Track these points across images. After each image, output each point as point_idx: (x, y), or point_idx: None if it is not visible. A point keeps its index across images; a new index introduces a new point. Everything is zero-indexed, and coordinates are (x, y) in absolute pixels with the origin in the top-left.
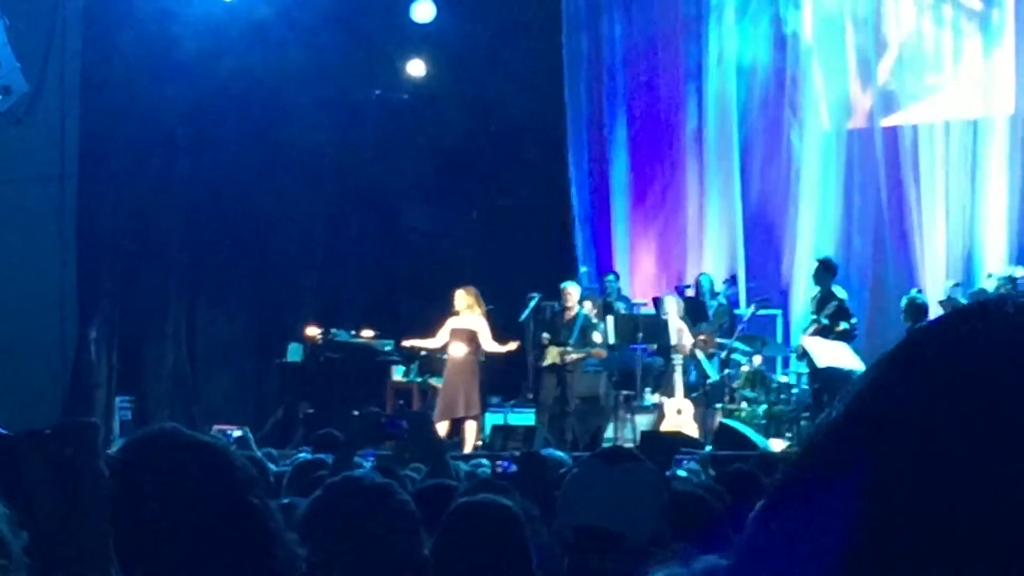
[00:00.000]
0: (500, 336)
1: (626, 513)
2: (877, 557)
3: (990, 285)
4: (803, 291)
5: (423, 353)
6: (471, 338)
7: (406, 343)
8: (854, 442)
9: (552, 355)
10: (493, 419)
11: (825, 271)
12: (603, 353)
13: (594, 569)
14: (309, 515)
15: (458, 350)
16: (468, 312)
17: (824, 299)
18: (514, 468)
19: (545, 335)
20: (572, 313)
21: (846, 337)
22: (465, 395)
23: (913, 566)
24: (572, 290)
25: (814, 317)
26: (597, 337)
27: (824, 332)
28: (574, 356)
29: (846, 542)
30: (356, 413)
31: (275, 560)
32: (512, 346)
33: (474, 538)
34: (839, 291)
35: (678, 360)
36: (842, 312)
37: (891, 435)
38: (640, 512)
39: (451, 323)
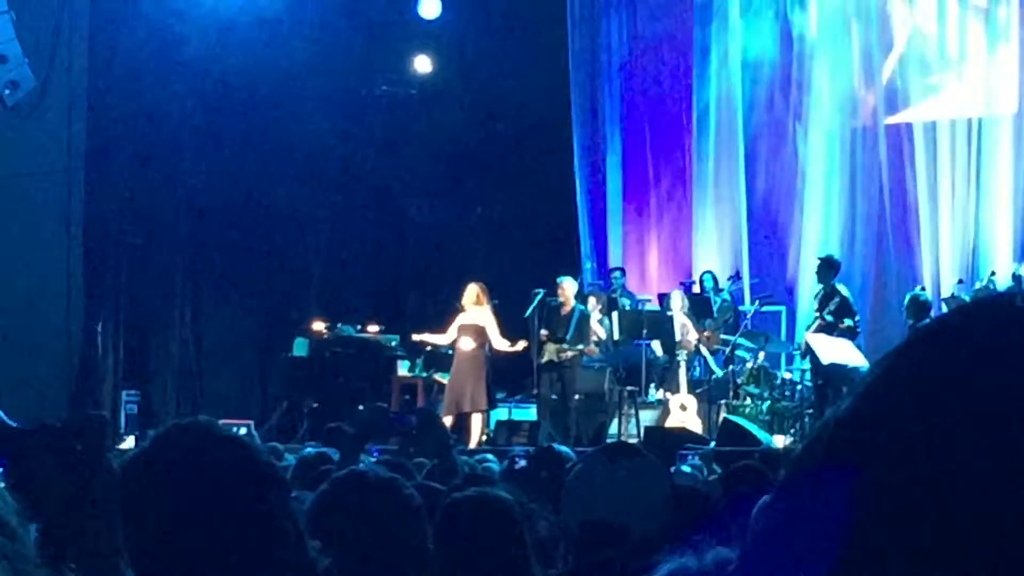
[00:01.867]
0: (504, 331)
1: (630, 507)
2: (877, 555)
3: (994, 283)
4: (807, 288)
5: (429, 348)
6: (479, 333)
7: (416, 336)
8: (860, 440)
9: (549, 351)
10: (497, 414)
11: (828, 268)
12: (595, 351)
13: (598, 563)
14: (315, 509)
15: (466, 345)
16: (476, 307)
17: (827, 296)
18: (523, 463)
19: (543, 331)
20: (568, 308)
21: (850, 334)
22: (472, 390)
23: (913, 565)
24: (567, 285)
25: (817, 314)
26: (600, 331)
27: (828, 329)
28: (569, 353)
29: (849, 540)
30: (361, 408)
31: (286, 563)
32: (520, 346)
33: (468, 532)
34: (842, 288)
35: (682, 356)
36: (845, 309)
37: (899, 433)
38: (644, 506)
39: (460, 319)
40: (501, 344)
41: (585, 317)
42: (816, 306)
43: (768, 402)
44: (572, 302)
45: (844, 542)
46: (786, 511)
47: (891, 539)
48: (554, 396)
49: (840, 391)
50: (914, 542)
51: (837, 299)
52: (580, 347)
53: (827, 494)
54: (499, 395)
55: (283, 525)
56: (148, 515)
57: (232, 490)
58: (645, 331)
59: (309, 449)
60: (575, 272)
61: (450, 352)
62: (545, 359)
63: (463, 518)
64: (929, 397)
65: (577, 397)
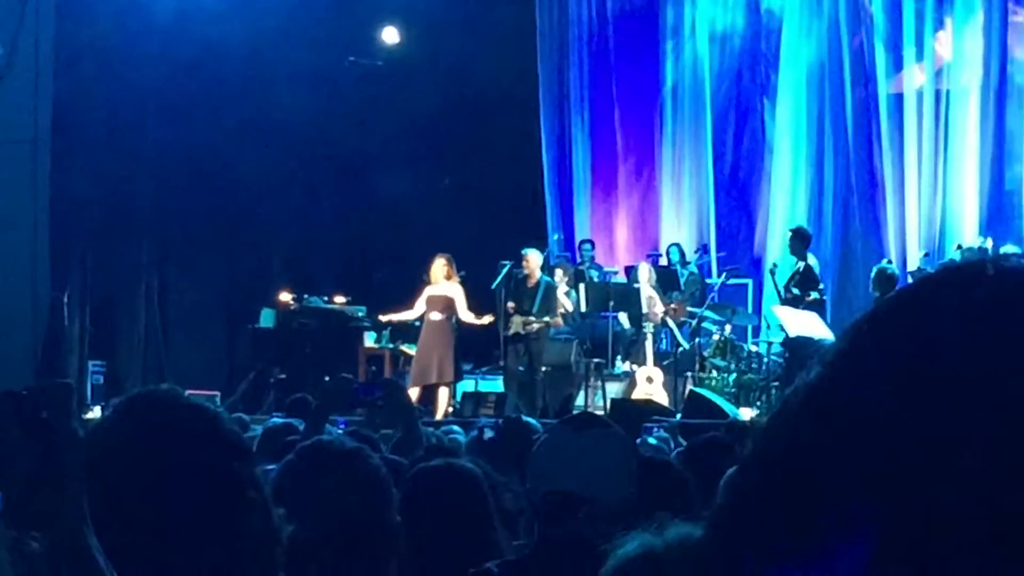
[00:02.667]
0: (471, 303)
1: (595, 478)
2: (847, 525)
3: (959, 257)
4: (774, 261)
5: (397, 322)
6: (447, 305)
7: (383, 317)
8: (832, 407)
9: (516, 324)
10: (464, 386)
11: (799, 240)
12: (560, 322)
13: (563, 533)
14: (280, 479)
15: (434, 317)
16: (444, 280)
17: (797, 268)
18: (491, 434)
19: (510, 303)
20: (533, 280)
21: (817, 306)
22: (439, 362)
23: (888, 529)
24: (532, 257)
25: (787, 287)
26: (567, 304)
27: (794, 302)
28: (535, 325)
29: (819, 511)
30: (327, 379)
31: (251, 531)
32: (487, 319)
33: (434, 502)
34: (811, 258)
35: (649, 328)
36: (810, 280)
37: (871, 399)
38: (609, 477)
39: (428, 291)
40: (468, 316)
41: (551, 289)
42: (788, 277)
43: (734, 374)
44: (537, 274)
45: (814, 513)
46: (753, 483)
47: (864, 505)
48: (521, 368)
49: (804, 363)
50: (888, 506)
51: (800, 266)
52: (546, 319)
53: (796, 465)
54: (466, 367)
55: (248, 493)
56: (112, 483)
57: (197, 458)
58: (612, 303)
59: (275, 420)
60: (542, 244)
61: (417, 324)
62: (512, 331)
63: (430, 488)
64: (902, 362)
65: (544, 369)
